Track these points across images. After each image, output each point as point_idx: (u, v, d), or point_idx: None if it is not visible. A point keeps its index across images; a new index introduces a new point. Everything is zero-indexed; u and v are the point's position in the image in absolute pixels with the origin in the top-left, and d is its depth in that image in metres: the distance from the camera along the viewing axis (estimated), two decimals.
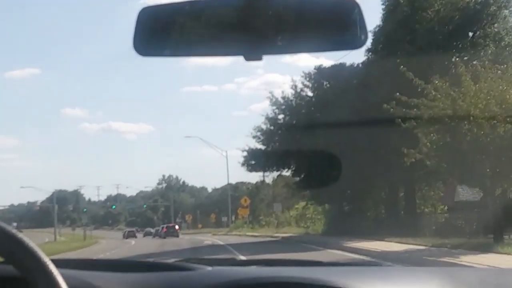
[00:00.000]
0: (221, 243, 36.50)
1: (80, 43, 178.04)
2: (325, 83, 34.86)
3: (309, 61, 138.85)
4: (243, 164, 38.12)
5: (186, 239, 49.19)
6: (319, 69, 34.86)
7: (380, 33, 31.92)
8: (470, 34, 30.38)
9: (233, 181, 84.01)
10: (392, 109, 19.21)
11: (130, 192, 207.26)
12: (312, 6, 1.54)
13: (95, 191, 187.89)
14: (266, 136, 36.69)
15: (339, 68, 33.52)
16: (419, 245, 20.25)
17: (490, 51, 28.13)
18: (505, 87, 17.88)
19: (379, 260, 14.11)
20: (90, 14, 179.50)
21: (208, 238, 49.27)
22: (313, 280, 1.64)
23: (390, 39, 30.33)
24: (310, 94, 35.84)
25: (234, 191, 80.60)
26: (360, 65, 33.51)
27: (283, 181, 50.01)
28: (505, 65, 20.77)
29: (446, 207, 35.54)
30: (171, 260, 2.22)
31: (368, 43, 32.57)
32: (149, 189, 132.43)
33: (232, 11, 1.51)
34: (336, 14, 1.54)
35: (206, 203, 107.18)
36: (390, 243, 22.00)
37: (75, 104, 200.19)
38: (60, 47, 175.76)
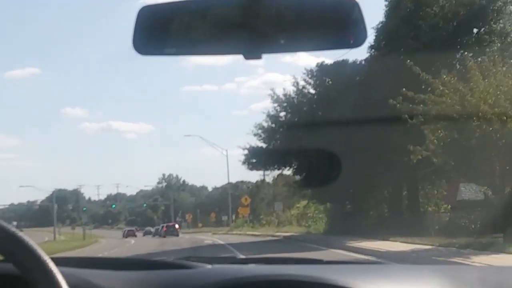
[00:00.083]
0: (222, 242, 36.08)
1: (80, 42, 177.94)
2: (327, 80, 34.39)
3: (309, 60, 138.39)
4: (243, 163, 37.66)
5: (186, 238, 48.95)
6: (321, 66, 34.36)
7: (383, 29, 31.54)
8: (475, 30, 29.92)
9: (233, 180, 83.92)
10: (398, 105, 18.66)
11: (130, 191, 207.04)
12: (311, 5, 1.54)
13: (95, 190, 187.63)
14: (268, 134, 36.21)
15: (341, 65, 33.06)
16: (425, 244, 19.68)
17: (495, 48, 27.68)
18: None
19: (385, 261, 13.65)
20: (89, 14, 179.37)
21: (208, 237, 48.98)
22: (313, 278, 1.63)
23: (393, 35, 29.91)
24: (312, 91, 35.36)
25: (234, 190, 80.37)
26: (363, 62, 33.09)
27: (283, 180, 49.80)
28: None
29: (449, 206, 35.11)
30: (171, 259, 2.17)
31: (371, 39, 32.27)
32: (149, 188, 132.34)
33: (232, 10, 1.50)
34: (335, 13, 1.53)
35: (206, 202, 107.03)
36: (395, 243, 21.46)
37: (75, 103, 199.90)
38: (60, 46, 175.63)
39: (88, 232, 74.24)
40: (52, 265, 1.18)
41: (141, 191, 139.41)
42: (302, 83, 35.25)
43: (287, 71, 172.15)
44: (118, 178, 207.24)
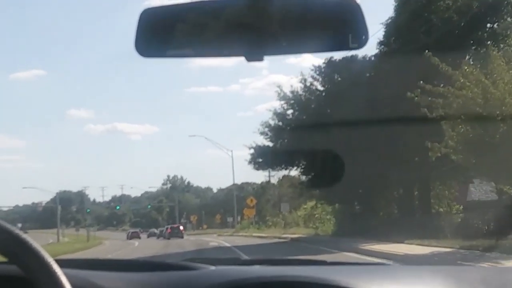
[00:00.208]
0: (228, 244, 35.17)
1: (85, 44, 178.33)
2: (336, 77, 33.42)
3: (314, 61, 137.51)
4: (250, 162, 36.66)
5: (191, 240, 48.28)
6: (329, 62, 33.36)
7: (392, 24, 30.77)
8: (489, 25, 29.00)
9: (238, 181, 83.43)
10: (416, 98, 17.60)
11: (135, 192, 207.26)
12: (313, 7, 1.55)
13: (100, 191, 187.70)
14: (274, 132, 35.19)
15: (350, 61, 32.09)
16: (444, 247, 18.52)
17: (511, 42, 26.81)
18: None
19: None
20: (95, 15, 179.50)
21: (213, 239, 48.24)
22: (317, 279, 1.63)
23: (403, 30, 29.09)
24: (320, 88, 34.36)
25: (239, 191, 79.97)
26: (372, 58, 32.22)
27: (288, 182, 49.20)
28: None
29: (461, 207, 34.24)
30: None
31: (380, 35, 31.57)
32: (153, 190, 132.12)
33: (234, 12, 1.51)
34: (337, 15, 1.54)
35: (211, 203, 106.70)
36: (410, 246, 20.32)
37: (80, 105, 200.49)
38: (65, 48, 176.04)
39: (92, 233, 74.07)
40: (56, 267, 1.19)
41: (146, 192, 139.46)
42: (310, 79, 34.30)
43: (291, 73, 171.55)
44: (123, 180, 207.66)
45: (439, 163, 21.75)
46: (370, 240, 24.73)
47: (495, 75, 16.40)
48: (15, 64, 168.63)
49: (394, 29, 30.29)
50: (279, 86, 36.76)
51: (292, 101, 34.59)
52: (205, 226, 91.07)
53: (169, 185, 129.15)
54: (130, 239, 66.92)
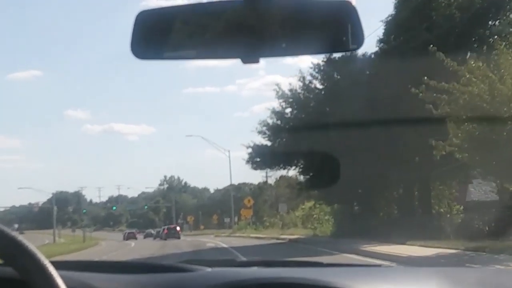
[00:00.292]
0: (225, 245, 34.70)
1: (83, 45, 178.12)
2: (335, 75, 32.93)
3: (311, 61, 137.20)
4: (247, 162, 36.14)
5: (187, 241, 47.88)
6: (329, 60, 32.87)
7: (392, 22, 30.32)
8: (491, 22, 28.55)
9: (235, 181, 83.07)
10: (421, 94, 17.07)
11: (132, 193, 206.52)
12: (308, 9, 1.54)
13: (97, 192, 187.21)
14: (273, 131, 34.66)
15: (349, 58, 31.59)
16: (448, 248, 18.00)
17: None
18: None
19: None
20: (92, 16, 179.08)
21: (210, 240, 47.81)
22: (314, 280, 1.63)
23: (404, 28, 28.64)
24: (319, 86, 33.87)
25: (236, 192, 79.69)
26: (372, 56, 31.76)
27: (286, 182, 48.86)
28: None
29: (461, 207, 33.86)
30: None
31: (380, 33, 31.16)
32: (150, 190, 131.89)
33: (229, 15, 1.50)
34: (332, 16, 1.54)
35: (208, 204, 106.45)
36: (413, 247, 19.79)
37: (77, 106, 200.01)
38: (62, 49, 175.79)
39: (88, 234, 73.83)
40: (52, 269, 1.18)
41: (143, 193, 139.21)
42: (308, 77, 33.81)
43: (288, 73, 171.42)
44: (120, 180, 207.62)
45: (441, 162, 21.28)
46: (370, 241, 24.24)
47: (502, 70, 15.91)
48: (13, 64, 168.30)
49: (394, 26, 29.86)
50: (277, 85, 36.33)
51: (290, 100, 34.10)
52: (202, 227, 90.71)
53: (166, 186, 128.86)
54: (127, 239, 66.67)
